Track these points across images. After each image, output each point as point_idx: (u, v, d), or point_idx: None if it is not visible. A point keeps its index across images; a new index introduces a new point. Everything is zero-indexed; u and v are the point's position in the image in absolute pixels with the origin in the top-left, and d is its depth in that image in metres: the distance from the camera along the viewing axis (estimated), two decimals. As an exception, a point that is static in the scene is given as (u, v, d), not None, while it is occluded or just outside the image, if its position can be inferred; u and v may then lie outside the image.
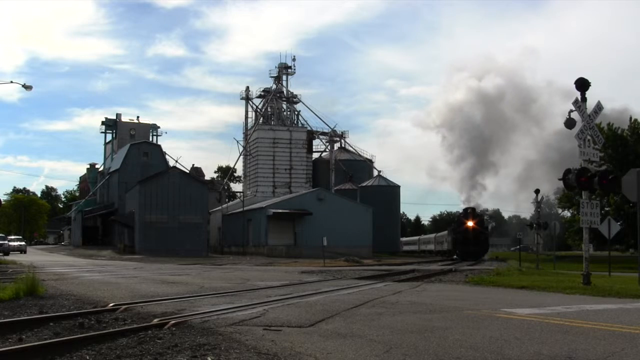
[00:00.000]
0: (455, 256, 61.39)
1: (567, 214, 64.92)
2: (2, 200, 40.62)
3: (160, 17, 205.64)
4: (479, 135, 72.12)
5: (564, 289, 14.41)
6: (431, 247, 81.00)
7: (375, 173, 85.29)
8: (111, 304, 9.73)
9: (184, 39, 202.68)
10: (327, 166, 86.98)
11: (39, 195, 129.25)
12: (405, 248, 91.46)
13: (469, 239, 57.58)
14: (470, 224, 58.60)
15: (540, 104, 75.60)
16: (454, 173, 73.22)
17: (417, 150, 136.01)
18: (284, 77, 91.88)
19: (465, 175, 72.19)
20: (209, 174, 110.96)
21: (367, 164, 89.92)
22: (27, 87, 33.40)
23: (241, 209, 66.60)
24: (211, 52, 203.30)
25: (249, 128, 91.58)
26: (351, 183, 77.96)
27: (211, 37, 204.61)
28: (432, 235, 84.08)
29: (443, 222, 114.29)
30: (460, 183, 71.61)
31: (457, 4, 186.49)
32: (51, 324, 7.84)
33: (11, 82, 34.82)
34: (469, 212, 60.61)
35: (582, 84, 16.16)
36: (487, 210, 66.78)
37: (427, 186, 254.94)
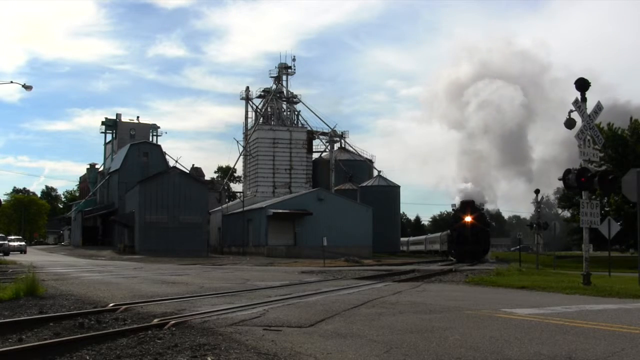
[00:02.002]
0: (450, 257, 54.85)
1: (567, 214, 64.65)
2: (2, 200, 40.58)
3: (161, 17, 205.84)
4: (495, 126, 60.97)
5: (564, 289, 14.42)
6: (437, 246, 77.12)
7: (375, 173, 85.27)
8: (111, 304, 9.73)
9: (185, 39, 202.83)
10: (327, 166, 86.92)
11: (39, 195, 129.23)
12: (412, 248, 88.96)
13: (466, 236, 50.41)
14: (468, 219, 51.19)
15: (555, 97, 67.94)
16: (464, 173, 59.82)
17: (421, 148, 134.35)
18: (284, 77, 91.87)
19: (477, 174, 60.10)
20: (209, 174, 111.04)
21: (367, 164, 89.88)
22: (27, 87, 33.42)
23: (241, 209, 66.57)
24: (211, 52, 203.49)
25: (249, 128, 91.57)
26: (351, 183, 77.88)
27: (211, 38, 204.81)
28: (438, 234, 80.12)
29: (443, 222, 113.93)
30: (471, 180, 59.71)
31: (457, 5, 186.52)
32: (51, 324, 7.85)
33: (11, 82, 34.86)
34: (467, 206, 52.49)
35: (582, 84, 16.17)
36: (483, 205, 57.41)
37: (431, 186, 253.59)
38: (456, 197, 58.45)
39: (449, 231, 59.38)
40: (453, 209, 56.57)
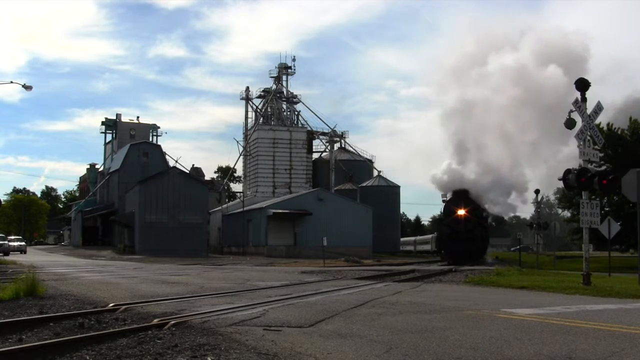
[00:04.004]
0: (440, 258, 47.82)
1: (567, 214, 64.60)
2: (2, 200, 40.61)
3: (161, 18, 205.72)
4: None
5: (564, 289, 14.41)
6: None
7: (375, 173, 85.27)
8: (111, 304, 9.73)
9: (185, 39, 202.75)
10: (327, 166, 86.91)
11: (39, 195, 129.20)
12: (420, 248, 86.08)
13: (459, 233, 42.71)
14: (461, 212, 43.55)
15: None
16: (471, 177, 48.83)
17: (425, 148, 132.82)
18: (284, 78, 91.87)
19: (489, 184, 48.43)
20: (209, 174, 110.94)
21: (367, 164, 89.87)
22: (27, 87, 33.46)
23: (241, 209, 66.57)
24: (212, 52, 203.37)
25: (249, 128, 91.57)
26: (351, 183, 77.89)
27: (212, 38, 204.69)
28: None
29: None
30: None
31: (457, 5, 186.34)
32: (51, 324, 7.85)
33: (11, 82, 34.96)
34: (460, 198, 44.59)
35: (582, 84, 16.18)
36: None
37: (434, 184, 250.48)
38: (441, 174, 49.75)
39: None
40: (443, 201, 47.95)
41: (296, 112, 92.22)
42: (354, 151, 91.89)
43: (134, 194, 61.94)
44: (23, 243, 54.09)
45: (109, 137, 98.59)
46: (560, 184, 17.46)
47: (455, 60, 55.88)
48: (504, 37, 52.72)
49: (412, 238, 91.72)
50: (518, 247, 59.38)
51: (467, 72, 51.67)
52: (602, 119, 46.13)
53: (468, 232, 42.59)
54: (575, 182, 15.69)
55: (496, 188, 46.66)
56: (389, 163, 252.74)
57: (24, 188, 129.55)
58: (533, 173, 48.91)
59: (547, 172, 43.10)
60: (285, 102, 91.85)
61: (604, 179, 15.74)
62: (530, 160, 47.20)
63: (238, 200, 77.52)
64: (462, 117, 48.79)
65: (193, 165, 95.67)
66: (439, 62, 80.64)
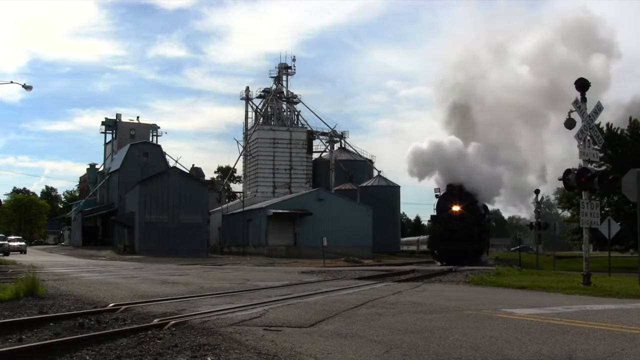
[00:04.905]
0: (433, 259, 43.35)
1: (567, 214, 64.51)
2: (2, 200, 40.62)
3: (162, 18, 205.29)
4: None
5: (564, 289, 14.41)
6: None
7: (375, 173, 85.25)
8: (111, 304, 9.74)
9: (185, 40, 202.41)
10: (327, 166, 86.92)
11: (39, 195, 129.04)
12: (422, 248, 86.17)
13: (453, 231, 38.80)
14: (456, 208, 39.89)
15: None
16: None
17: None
18: (284, 78, 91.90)
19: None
20: (209, 174, 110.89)
21: (367, 164, 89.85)
22: (27, 87, 33.48)
23: (241, 209, 66.59)
24: (212, 53, 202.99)
25: (249, 128, 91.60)
26: (351, 183, 77.84)
27: (212, 38, 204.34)
28: None
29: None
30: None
31: (457, 5, 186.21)
32: (51, 324, 7.85)
33: (11, 82, 34.99)
34: (455, 193, 40.57)
35: (582, 85, 16.18)
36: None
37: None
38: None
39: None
40: (437, 196, 42.89)
41: (296, 112, 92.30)
42: (354, 151, 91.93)
43: (134, 194, 61.95)
44: (23, 243, 54.06)
45: (109, 137, 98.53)
46: (560, 184, 17.47)
47: (458, 54, 54.42)
48: (511, 29, 51.74)
49: (415, 238, 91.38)
50: (518, 247, 59.23)
51: (471, 65, 50.18)
52: (610, 119, 45.91)
53: (464, 230, 38.71)
54: (575, 182, 15.70)
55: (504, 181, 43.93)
56: (389, 163, 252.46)
57: (24, 188, 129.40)
58: (535, 172, 47.91)
59: (552, 172, 40.43)
60: (285, 102, 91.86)
61: (604, 179, 15.75)
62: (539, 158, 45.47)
63: (238, 200, 77.53)
64: (465, 100, 46.07)
65: (193, 165, 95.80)
66: (442, 57, 78.91)
